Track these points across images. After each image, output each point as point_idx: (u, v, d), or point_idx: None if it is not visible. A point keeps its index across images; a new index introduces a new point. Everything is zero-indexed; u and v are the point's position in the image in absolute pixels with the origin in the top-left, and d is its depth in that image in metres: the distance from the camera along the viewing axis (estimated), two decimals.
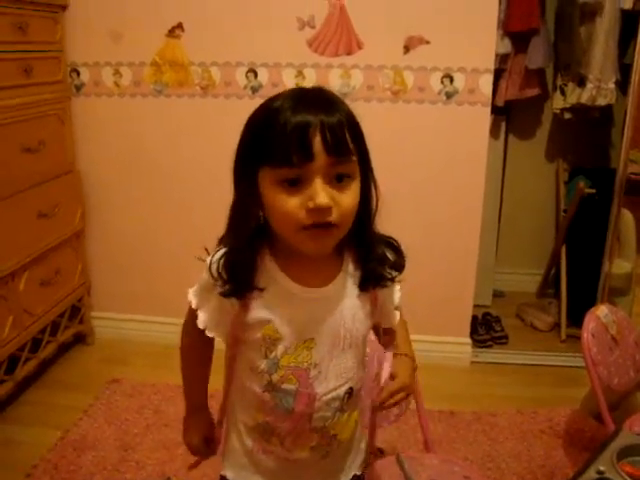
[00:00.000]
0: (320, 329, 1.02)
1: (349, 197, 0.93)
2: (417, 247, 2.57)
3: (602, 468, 1.02)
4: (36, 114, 2.35)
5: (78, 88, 2.63)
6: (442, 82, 2.42)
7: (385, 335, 1.20)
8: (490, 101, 2.44)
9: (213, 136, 2.51)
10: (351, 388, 1.07)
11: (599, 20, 2.69)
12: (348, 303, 1.04)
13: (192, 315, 1.09)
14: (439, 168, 2.51)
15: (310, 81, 2.45)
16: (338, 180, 0.92)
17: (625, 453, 1.09)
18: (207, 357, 1.17)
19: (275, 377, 1.02)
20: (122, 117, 2.61)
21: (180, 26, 2.50)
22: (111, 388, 2.45)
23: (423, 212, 2.56)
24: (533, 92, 2.96)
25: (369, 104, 2.47)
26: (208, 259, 1.02)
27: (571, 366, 2.62)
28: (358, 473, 1.19)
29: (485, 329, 2.90)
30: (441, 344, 2.66)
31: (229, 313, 1.02)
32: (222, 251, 1.00)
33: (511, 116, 3.15)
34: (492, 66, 2.41)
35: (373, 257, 1.04)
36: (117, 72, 2.58)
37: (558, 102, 2.96)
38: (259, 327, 1.01)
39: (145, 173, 2.64)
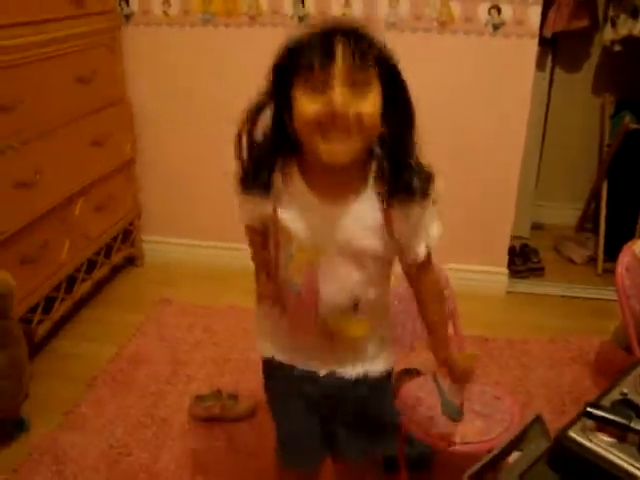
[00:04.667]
0: (330, 239, 1.11)
1: (368, 105, 1.00)
2: (458, 177, 2.65)
3: (625, 390, 1.10)
4: (88, 44, 2.41)
5: (127, 17, 2.67)
6: (489, 13, 2.40)
7: (411, 270, 1.23)
8: (537, 33, 2.42)
9: (260, 65, 2.53)
10: (357, 300, 1.16)
11: None
12: (363, 220, 1.11)
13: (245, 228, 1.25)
14: (483, 99, 2.52)
15: (357, 10, 2.45)
16: (358, 90, 0.99)
17: None
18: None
19: (290, 267, 1.15)
20: (170, 47, 2.65)
21: None
22: (161, 307, 2.60)
23: (465, 142, 2.59)
24: (582, 23, 2.91)
25: (415, 35, 2.47)
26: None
27: (605, 299, 2.68)
28: (386, 367, 1.29)
29: (522, 260, 2.95)
30: (478, 273, 2.74)
31: (263, 211, 1.14)
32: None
33: (558, 48, 3.10)
34: None
35: (398, 174, 1.09)
36: (166, 1, 2.61)
37: (608, 34, 2.90)
38: (282, 224, 1.13)
39: (193, 102, 2.70)
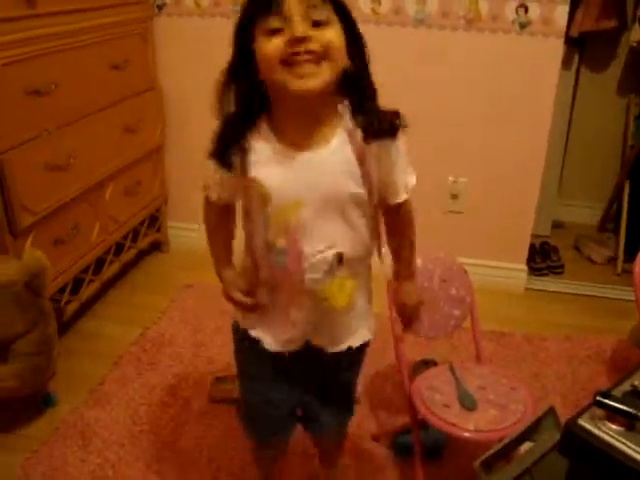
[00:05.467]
0: (308, 190, 1.10)
1: (329, 33, 1.02)
2: (481, 174, 2.67)
3: (636, 383, 1.14)
4: (121, 33, 2.46)
5: (160, 8, 2.73)
6: (517, 12, 2.42)
7: (389, 214, 1.25)
8: (564, 33, 2.43)
9: None
10: (340, 253, 1.14)
11: None
12: (339, 165, 1.10)
13: (205, 201, 1.27)
14: (508, 97, 2.54)
15: (386, 6, 2.48)
16: (316, 25, 1.01)
17: None
18: (229, 229, 1.32)
19: (270, 235, 1.14)
20: (201, 37, 2.71)
21: None
22: (185, 292, 2.66)
23: (488, 140, 2.61)
24: (610, 24, 2.91)
25: (442, 32, 2.50)
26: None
27: (624, 299, 2.69)
28: (367, 338, 1.31)
29: (542, 258, 2.97)
30: (498, 269, 2.76)
31: (232, 179, 1.15)
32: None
33: (585, 47, 3.10)
34: None
35: (367, 109, 1.10)
36: None
37: (636, 34, 2.91)
38: (254, 186, 1.12)
39: None
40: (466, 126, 2.59)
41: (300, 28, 0.99)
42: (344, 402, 1.46)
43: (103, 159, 2.38)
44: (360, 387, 1.66)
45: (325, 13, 1.02)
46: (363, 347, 1.32)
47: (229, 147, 1.12)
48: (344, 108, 1.11)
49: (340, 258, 1.15)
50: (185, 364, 2.22)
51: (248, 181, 1.13)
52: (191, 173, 2.94)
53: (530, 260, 2.86)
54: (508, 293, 2.74)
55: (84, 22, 2.20)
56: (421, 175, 2.70)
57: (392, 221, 1.27)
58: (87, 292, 2.41)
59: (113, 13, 2.39)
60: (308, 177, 1.10)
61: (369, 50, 1.11)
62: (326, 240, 1.13)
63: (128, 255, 2.71)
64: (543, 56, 2.46)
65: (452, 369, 1.65)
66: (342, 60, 1.05)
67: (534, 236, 2.87)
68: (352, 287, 1.19)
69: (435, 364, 1.97)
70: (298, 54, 1.00)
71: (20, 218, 1.94)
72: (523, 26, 2.43)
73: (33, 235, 2.03)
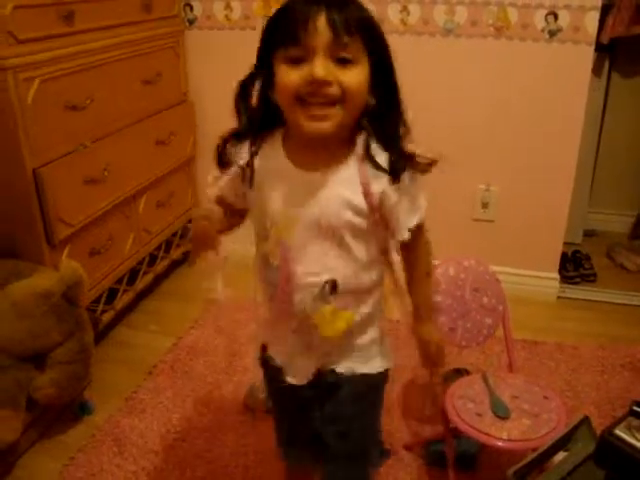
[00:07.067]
0: (304, 211, 1.07)
1: (351, 76, 0.98)
2: (511, 182, 2.66)
3: None
4: (154, 47, 2.51)
5: (191, 22, 2.78)
6: (546, 19, 2.42)
7: (401, 247, 1.17)
8: (594, 40, 2.42)
9: None
10: (334, 281, 1.10)
11: None
12: (342, 193, 1.07)
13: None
14: (538, 105, 2.53)
15: (414, 17, 2.50)
16: (341, 62, 0.97)
17: None
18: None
19: (267, 247, 1.13)
20: (231, 50, 2.73)
21: None
22: (217, 302, 2.69)
23: (519, 147, 2.60)
24: None
25: (471, 40, 2.50)
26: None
27: None
28: (365, 371, 1.22)
29: (574, 266, 2.94)
30: (530, 278, 2.75)
31: (239, 184, 1.15)
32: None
33: (616, 53, 3.08)
34: (599, 3, 2.37)
35: (387, 147, 1.05)
36: (228, 6, 2.71)
37: None
38: (259, 200, 1.13)
39: None
40: (496, 134, 2.58)
41: (321, 71, 0.95)
42: (354, 446, 1.27)
43: (137, 171, 2.42)
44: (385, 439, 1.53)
45: (352, 51, 0.98)
46: (374, 380, 1.25)
47: (242, 144, 1.13)
48: (360, 138, 1.07)
49: (334, 286, 1.11)
50: (219, 373, 2.25)
51: (255, 192, 1.13)
52: None
53: (562, 268, 2.84)
54: (540, 302, 2.72)
55: (118, 38, 2.25)
56: (452, 183, 2.71)
57: (404, 254, 1.21)
58: (121, 302, 2.45)
59: (146, 28, 2.45)
60: (307, 198, 1.08)
61: (400, 86, 1.07)
62: (319, 264, 1.10)
63: (161, 266, 2.75)
64: (573, 63, 2.45)
65: (485, 378, 1.65)
66: (360, 103, 1.02)
67: (566, 244, 2.85)
68: (349, 319, 1.14)
69: (467, 373, 1.97)
70: (314, 95, 0.98)
71: (57, 230, 1.99)
72: (553, 34, 2.43)
73: (69, 247, 2.08)
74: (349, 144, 1.07)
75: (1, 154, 1.88)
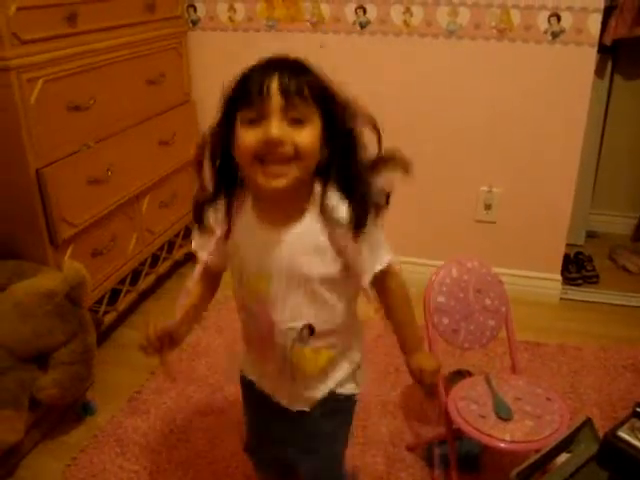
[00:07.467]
0: (275, 266, 1.14)
1: (304, 136, 1.04)
2: (514, 183, 2.66)
3: None
4: (157, 48, 2.51)
5: (194, 23, 2.78)
6: (549, 21, 2.42)
7: (375, 290, 1.22)
8: (597, 42, 2.42)
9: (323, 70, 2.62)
10: (311, 325, 1.17)
11: None
12: (308, 245, 1.12)
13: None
14: (540, 107, 2.54)
15: (417, 18, 2.49)
16: (294, 123, 1.04)
17: None
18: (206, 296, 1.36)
19: (245, 294, 1.20)
20: (235, 51, 2.74)
21: None
22: (220, 303, 2.68)
23: (521, 148, 2.61)
24: None
25: (474, 42, 2.50)
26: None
27: None
28: (339, 391, 1.29)
29: (576, 268, 2.94)
30: (532, 279, 2.75)
31: (222, 244, 1.21)
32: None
33: (619, 55, 3.08)
34: (602, 5, 2.37)
35: (347, 195, 1.10)
36: (231, 8, 2.71)
37: None
38: (234, 251, 1.19)
39: None
40: (499, 136, 2.59)
41: (275, 131, 1.02)
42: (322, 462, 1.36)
43: (140, 172, 2.42)
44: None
45: (303, 112, 1.05)
46: (340, 397, 1.30)
47: (206, 211, 1.18)
48: (318, 187, 1.12)
49: (311, 329, 1.17)
50: (221, 374, 2.25)
51: (230, 246, 1.20)
52: None
53: (564, 270, 2.84)
54: (542, 303, 2.72)
55: (121, 38, 2.25)
56: (454, 185, 2.72)
57: (380, 298, 1.24)
58: (124, 303, 2.45)
59: (149, 29, 2.45)
60: (277, 254, 1.13)
61: (357, 137, 1.12)
62: (294, 313, 1.16)
63: (164, 266, 2.75)
64: (576, 65, 2.45)
65: (488, 380, 1.65)
66: (313, 159, 1.08)
67: (568, 246, 2.85)
68: (328, 357, 1.23)
69: (470, 375, 1.97)
70: (270, 154, 1.04)
71: (60, 230, 1.99)
72: (555, 35, 2.43)
73: (72, 247, 2.08)
74: (307, 195, 1.13)
75: (4, 154, 1.88)
